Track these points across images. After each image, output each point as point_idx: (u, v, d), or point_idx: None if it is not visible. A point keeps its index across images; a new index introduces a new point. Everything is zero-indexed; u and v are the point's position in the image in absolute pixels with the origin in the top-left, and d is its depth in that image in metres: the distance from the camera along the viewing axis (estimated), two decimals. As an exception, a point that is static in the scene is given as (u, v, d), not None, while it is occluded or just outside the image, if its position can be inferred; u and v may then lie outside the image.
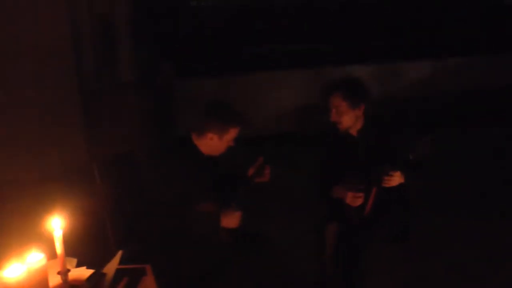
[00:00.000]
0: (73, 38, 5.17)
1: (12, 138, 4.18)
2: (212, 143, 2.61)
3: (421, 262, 3.24)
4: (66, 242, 2.08)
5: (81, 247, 3.50)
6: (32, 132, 4.27)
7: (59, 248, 1.85)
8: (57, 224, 1.86)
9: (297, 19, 7.86)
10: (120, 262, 2.56)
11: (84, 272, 2.00)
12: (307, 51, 7.50)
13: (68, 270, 1.91)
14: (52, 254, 1.97)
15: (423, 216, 3.64)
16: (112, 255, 2.63)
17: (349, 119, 2.80)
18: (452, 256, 3.43)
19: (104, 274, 1.87)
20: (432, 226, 3.80)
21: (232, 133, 2.60)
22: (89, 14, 5.10)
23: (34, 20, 4.33)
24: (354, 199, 2.73)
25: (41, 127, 4.33)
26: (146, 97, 5.41)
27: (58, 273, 1.89)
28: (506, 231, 3.78)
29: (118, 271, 1.90)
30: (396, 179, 2.68)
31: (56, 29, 4.73)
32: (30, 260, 1.81)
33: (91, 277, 1.91)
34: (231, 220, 2.52)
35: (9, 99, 4.28)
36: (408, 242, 2.83)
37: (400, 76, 7.36)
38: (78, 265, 2.14)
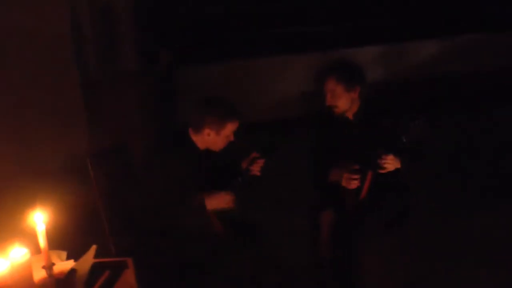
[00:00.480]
0: (73, 27, 5.21)
1: (10, 132, 4.19)
2: (210, 139, 2.58)
3: (421, 262, 3.18)
4: (59, 235, 2.09)
5: (76, 240, 3.54)
6: (30, 126, 4.29)
7: (42, 242, 1.85)
8: (39, 218, 1.85)
9: (299, 1, 7.72)
10: (115, 255, 2.59)
11: (71, 265, 2.00)
12: (311, 34, 7.39)
13: (53, 264, 1.90)
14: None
15: (423, 206, 3.60)
16: (107, 248, 2.66)
17: (344, 102, 2.76)
18: (452, 255, 3.37)
19: (74, 270, 1.86)
20: (432, 219, 3.74)
21: (229, 128, 2.57)
22: (89, 1, 5.00)
23: (33, 9, 4.31)
24: (349, 180, 2.69)
25: (40, 120, 4.36)
26: (146, 86, 5.39)
27: (43, 267, 1.89)
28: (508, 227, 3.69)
29: (99, 264, 1.89)
30: (391, 163, 2.63)
31: (56, 18, 4.67)
32: (14, 255, 1.81)
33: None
34: (219, 200, 2.50)
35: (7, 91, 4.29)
36: (404, 230, 2.79)
37: (407, 57, 7.25)
38: (74, 257, 2.14)
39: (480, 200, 4.13)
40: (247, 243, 2.63)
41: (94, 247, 1.97)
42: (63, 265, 2.02)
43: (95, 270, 1.89)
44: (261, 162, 2.66)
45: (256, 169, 2.66)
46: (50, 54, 4.76)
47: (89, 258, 1.89)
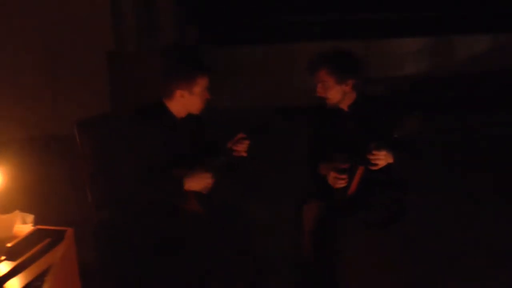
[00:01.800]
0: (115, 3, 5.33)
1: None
2: (185, 101, 2.49)
3: (420, 264, 3.00)
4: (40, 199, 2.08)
5: (61, 206, 3.58)
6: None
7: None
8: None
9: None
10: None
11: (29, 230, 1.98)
12: (353, 22, 7.17)
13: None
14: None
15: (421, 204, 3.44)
16: (91, 217, 2.65)
17: (335, 94, 2.63)
18: (453, 254, 3.20)
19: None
20: (429, 217, 3.57)
21: (201, 84, 2.47)
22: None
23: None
24: (335, 180, 2.57)
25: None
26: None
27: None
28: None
29: (40, 231, 1.87)
30: (382, 158, 2.48)
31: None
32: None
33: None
34: (197, 181, 2.43)
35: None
36: (398, 229, 2.63)
37: (454, 51, 6.96)
38: (57, 224, 2.14)
39: (481, 197, 3.96)
40: (225, 227, 2.55)
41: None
42: (23, 228, 2.01)
43: (38, 236, 1.87)
44: (246, 143, 2.55)
45: (241, 149, 2.55)
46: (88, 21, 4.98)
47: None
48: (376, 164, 2.49)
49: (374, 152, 2.47)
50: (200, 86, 2.46)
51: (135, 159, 2.44)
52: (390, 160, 2.51)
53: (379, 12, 7.31)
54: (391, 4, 7.29)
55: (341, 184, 2.57)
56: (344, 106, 2.69)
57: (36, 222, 2.06)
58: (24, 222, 2.10)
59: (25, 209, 2.07)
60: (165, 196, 2.46)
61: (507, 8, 7.00)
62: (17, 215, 2.03)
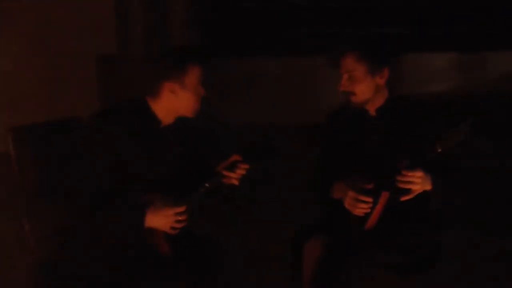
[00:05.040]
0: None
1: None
2: (176, 98, 1.93)
3: None
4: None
5: None
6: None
7: None
8: None
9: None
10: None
11: None
12: (383, 36, 6.67)
13: None
14: None
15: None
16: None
17: (366, 89, 2.00)
18: None
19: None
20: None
21: (193, 74, 1.93)
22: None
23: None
24: (354, 203, 1.93)
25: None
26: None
27: None
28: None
29: None
30: (417, 182, 1.85)
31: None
32: None
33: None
34: (160, 220, 1.83)
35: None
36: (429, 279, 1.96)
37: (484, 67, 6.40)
38: None
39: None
40: (193, 262, 1.93)
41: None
42: None
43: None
44: (243, 169, 1.94)
45: (233, 176, 1.94)
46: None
47: None
48: (407, 190, 1.86)
49: (405, 173, 1.83)
50: (193, 77, 1.94)
51: (92, 175, 1.86)
52: (428, 187, 1.88)
53: (401, 26, 6.83)
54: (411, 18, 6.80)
55: (362, 209, 1.93)
56: (372, 108, 2.07)
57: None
58: None
59: None
60: (119, 232, 1.87)
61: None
62: None
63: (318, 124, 2.28)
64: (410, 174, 1.83)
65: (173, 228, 1.86)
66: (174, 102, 1.95)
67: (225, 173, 1.94)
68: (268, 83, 6.06)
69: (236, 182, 1.95)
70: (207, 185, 1.92)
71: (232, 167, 1.95)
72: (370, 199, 1.92)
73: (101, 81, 4.96)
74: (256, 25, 6.61)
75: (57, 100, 4.92)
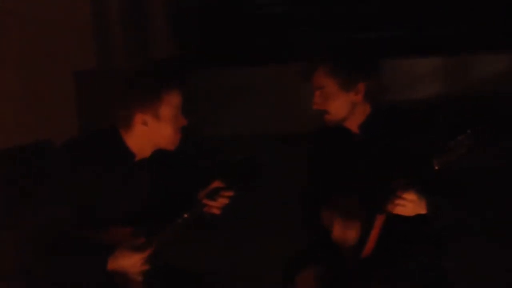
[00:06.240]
0: (98, 13, 5.01)
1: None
2: (150, 131, 1.71)
3: None
4: None
5: None
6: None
7: None
8: None
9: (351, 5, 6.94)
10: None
11: None
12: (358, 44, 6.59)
13: None
14: None
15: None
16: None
17: (340, 107, 1.82)
18: None
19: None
20: None
21: (169, 103, 1.70)
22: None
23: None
24: (344, 231, 1.76)
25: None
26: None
27: None
28: None
29: None
30: (409, 205, 1.68)
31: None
32: None
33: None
34: (124, 263, 1.65)
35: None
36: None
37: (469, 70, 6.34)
38: None
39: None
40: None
41: None
42: None
43: None
44: (225, 197, 1.75)
45: (215, 205, 1.75)
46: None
47: None
48: (401, 212, 1.69)
49: (401, 194, 1.66)
50: (169, 106, 1.70)
51: (52, 210, 1.67)
52: (422, 211, 1.70)
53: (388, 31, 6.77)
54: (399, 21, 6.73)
55: (351, 236, 1.77)
56: (353, 125, 1.88)
57: None
58: None
59: None
60: (79, 276, 1.67)
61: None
62: None
63: (305, 135, 2.12)
64: (404, 195, 1.66)
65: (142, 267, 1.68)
66: (148, 135, 1.72)
67: (206, 201, 1.75)
68: (253, 94, 5.95)
69: (217, 212, 1.76)
70: (185, 216, 1.75)
71: (213, 195, 1.76)
72: (358, 225, 1.75)
73: (79, 98, 4.78)
74: (240, 35, 6.53)
75: (36, 118, 4.80)
